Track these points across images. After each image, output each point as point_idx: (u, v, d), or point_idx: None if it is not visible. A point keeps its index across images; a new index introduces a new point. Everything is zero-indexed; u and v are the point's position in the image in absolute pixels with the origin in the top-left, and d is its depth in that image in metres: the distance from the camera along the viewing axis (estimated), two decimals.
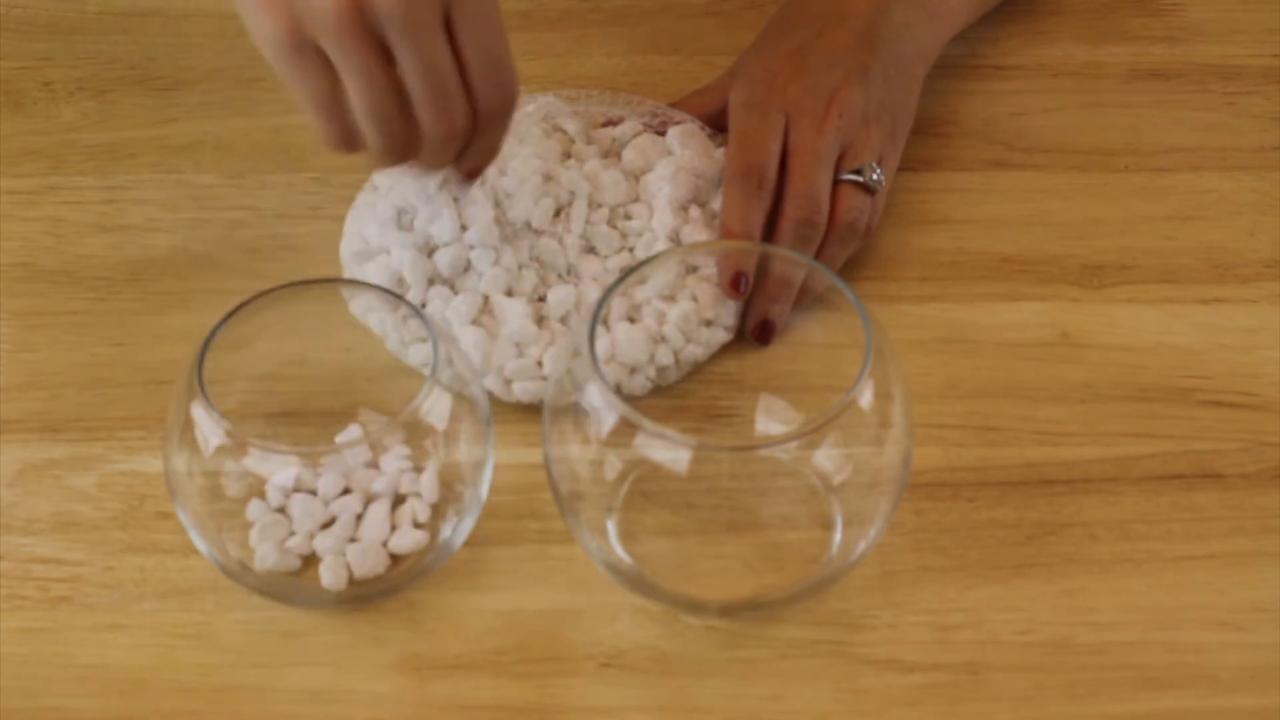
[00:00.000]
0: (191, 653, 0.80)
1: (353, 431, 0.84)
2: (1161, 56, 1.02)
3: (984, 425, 0.87)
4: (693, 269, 0.88)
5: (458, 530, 0.82)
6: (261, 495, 0.82)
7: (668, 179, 0.91)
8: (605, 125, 0.95)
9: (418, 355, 0.87)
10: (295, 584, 0.81)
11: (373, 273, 0.89)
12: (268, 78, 1.00)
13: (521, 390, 0.86)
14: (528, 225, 0.89)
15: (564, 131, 0.93)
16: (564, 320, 0.88)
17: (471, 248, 0.88)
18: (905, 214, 0.95)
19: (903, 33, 0.94)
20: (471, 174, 0.86)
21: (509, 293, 0.88)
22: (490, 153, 0.85)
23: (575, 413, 0.77)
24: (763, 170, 0.89)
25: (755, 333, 0.89)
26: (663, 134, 0.94)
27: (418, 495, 0.82)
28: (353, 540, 0.82)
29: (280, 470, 0.82)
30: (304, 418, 0.85)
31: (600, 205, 0.91)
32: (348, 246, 0.91)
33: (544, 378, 0.86)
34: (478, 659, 0.80)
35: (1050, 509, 0.84)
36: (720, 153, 0.93)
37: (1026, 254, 0.94)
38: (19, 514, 0.85)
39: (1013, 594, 0.82)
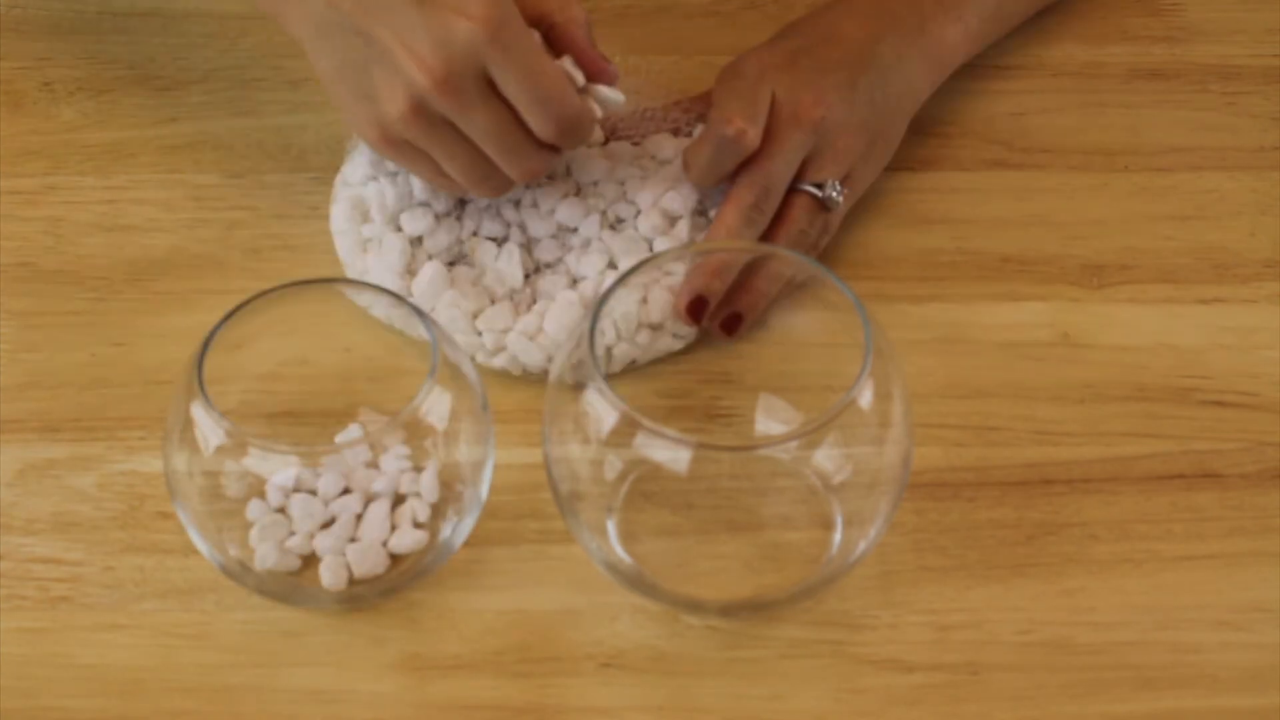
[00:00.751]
0: (191, 653, 0.80)
1: (353, 431, 0.84)
2: (1161, 56, 1.02)
3: (984, 425, 0.87)
4: (668, 273, 0.88)
5: (458, 530, 0.82)
6: (261, 495, 0.82)
7: (668, 185, 0.91)
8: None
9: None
10: (295, 584, 0.81)
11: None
12: (268, 78, 1.01)
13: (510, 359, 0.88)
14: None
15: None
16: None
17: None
18: (905, 214, 0.95)
19: (895, 64, 0.93)
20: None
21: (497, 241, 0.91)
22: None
23: (575, 413, 0.77)
24: (770, 193, 0.90)
25: (723, 325, 0.89)
26: (678, 133, 0.95)
27: (418, 495, 0.82)
28: (353, 540, 0.82)
29: (280, 470, 0.82)
30: (304, 418, 0.85)
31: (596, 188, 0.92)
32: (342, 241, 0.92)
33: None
34: (478, 659, 0.80)
35: (1050, 509, 0.84)
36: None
37: (1026, 254, 0.94)
38: (19, 514, 0.85)
39: (1013, 594, 0.82)
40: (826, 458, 0.79)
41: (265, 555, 0.81)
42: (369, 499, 0.82)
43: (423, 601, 0.82)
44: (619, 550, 0.81)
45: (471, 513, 0.81)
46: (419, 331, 0.80)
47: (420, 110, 0.83)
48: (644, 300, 0.88)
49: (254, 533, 0.81)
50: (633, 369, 0.89)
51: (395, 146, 0.86)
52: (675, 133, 0.94)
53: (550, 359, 0.87)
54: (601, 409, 0.76)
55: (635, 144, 0.94)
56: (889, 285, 0.92)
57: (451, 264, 0.90)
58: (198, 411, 0.77)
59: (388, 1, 0.82)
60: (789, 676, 0.80)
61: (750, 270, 0.88)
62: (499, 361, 0.88)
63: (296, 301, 0.81)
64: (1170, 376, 0.89)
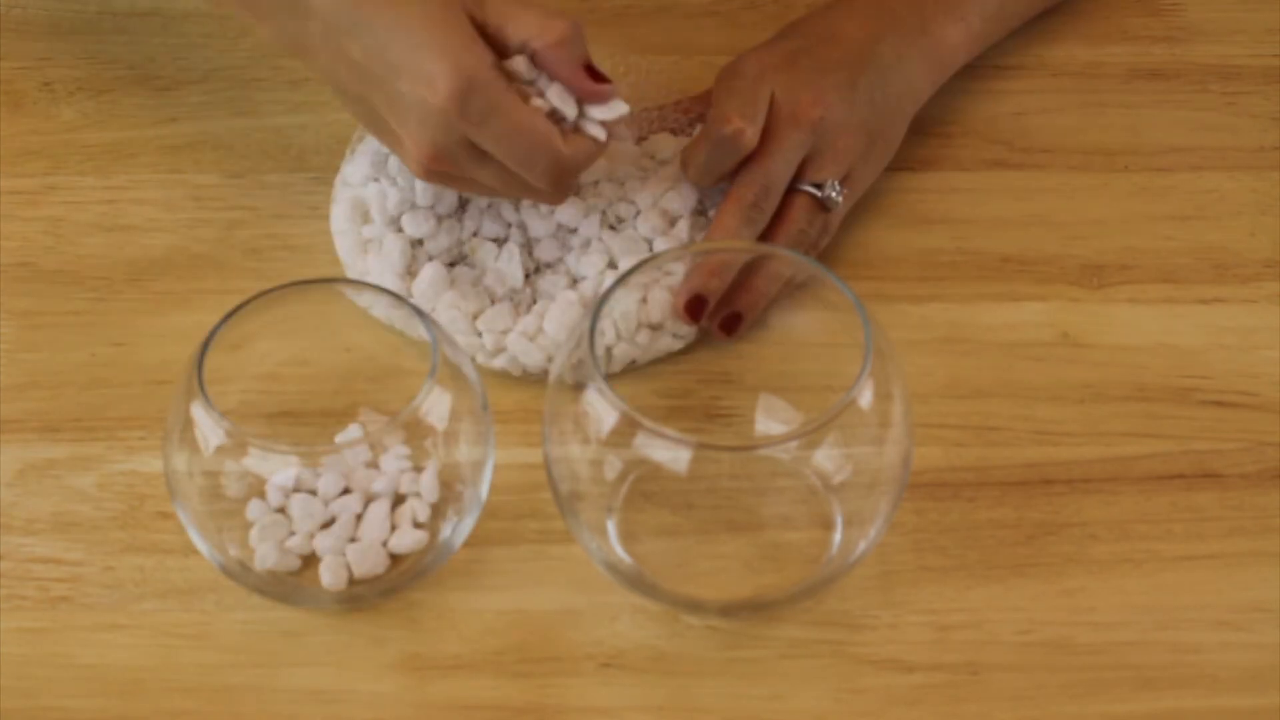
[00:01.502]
0: (191, 653, 0.80)
1: (353, 431, 0.84)
2: (1161, 56, 1.02)
3: (984, 425, 0.87)
4: (668, 273, 0.88)
5: (458, 530, 0.82)
6: (261, 495, 0.82)
7: (667, 185, 0.91)
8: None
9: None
10: (295, 584, 0.81)
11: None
12: (268, 78, 1.01)
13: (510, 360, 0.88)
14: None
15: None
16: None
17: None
18: (905, 214, 0.95)
19: (895, 65, 0.93)
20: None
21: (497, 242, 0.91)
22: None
23: (575, 413, 0.77)
24: (769, 192, 0.90)
25: (722, 325, 0.89)
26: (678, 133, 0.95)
27: (418, 495, 0.82)
28: (353, 540, 0.82)
29: (280, 470, 0.82)
30: (304, 418, 0.85)
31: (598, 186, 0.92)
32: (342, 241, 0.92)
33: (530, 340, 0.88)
34: (478, 659, 0.80)
35: (1050, 509, 0.84)
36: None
37: (1026, 254, 0.94)
38: (19, 514, 0.85)
39: (1013, 594, 0.82)
40: (826, 458, 0.79)
41: (265, 555, 0.81)
42: (369, 499, 0.82)
43: (423, 601, 0.82)
44: (619, 550, 0.81)
45: (471, 513, 0.81)
46: (419, 332, 0.80)
47: (436, 162, 0.85)
48: (644, 300, 0.88)
49: (254, 533, 0.81)
50: (633, 369, 0.89)
51: (434, 176, 0.86)
52: (675, 133, 0.94)
53: (550, 359, 0.87)
54: (601, 409, 0.76)
55: (635, 143, 0.94)
56: (889, 285, 0.92)
57: (452, 265, 0.90)
58: (198, 411, 0.77)
59: (376, 74, 0.83)
60: (789, 676, 0.80)
61: (750, 270, 0.88)
62: (499, 362, 0.88)
63: (296, 301, 0.81)
64: (1170, 376, 0.89)
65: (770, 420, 0.86)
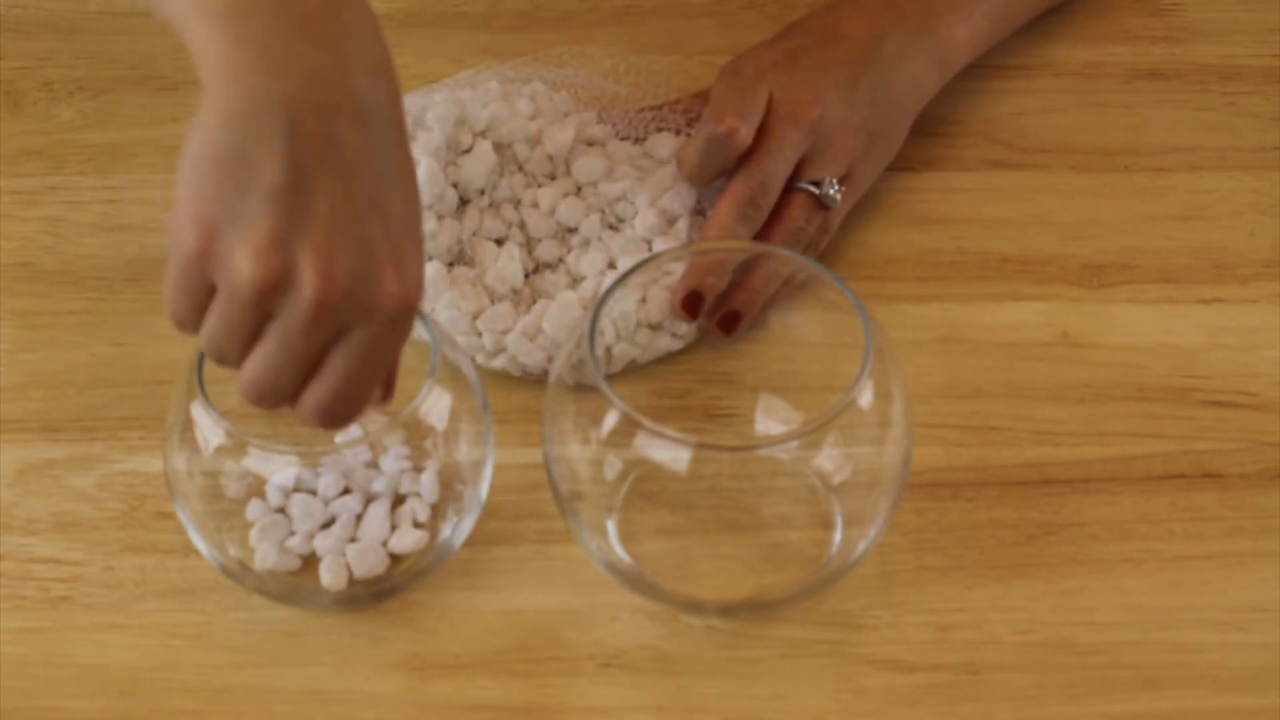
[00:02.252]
0: (191, 653, 0.80)
1: (353, 431, 0.84)
2: (1161, 56, 1.02)
3: (984, 425, 0.87)
4: (667, 272, 0.88)
5: (458, 530, 0.81)
6: (261, 495, 0.82)
7: (666, 185, 0.91)
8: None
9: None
10: (295, 584, 0.81)
11: None
12: None
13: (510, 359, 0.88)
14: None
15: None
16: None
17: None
18: (905, 214, 0.95)
19: (898, 63, 0.93)
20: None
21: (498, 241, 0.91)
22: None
23: (575, 413, 0.77)
24: (766, 190, 0.89)
25: (720, 324, 0.89)
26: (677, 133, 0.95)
27: (418, 495, 0.82)
28: (353, 540, 0.82)
29: (280, 470, 0.82)
30: None
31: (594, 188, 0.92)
32: None
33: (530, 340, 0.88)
34: (478, 659, 0.80)
35: (1050, 509, 0.84)
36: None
37: (1026, 254, 0.94)
38: (19, 514, 0.85)
39: (1013, 594, 0.82)
40: (826, 458, 0.79)
41: (265, 555, 0.81)
42: (369, 499, 0.82)
43: (423, 601, 0.82)
44: (619, 550, 0.81)
45: (471, 513, 0.81)
46: (419, 332, 0.80)
47: (268, 294, 0.69)
48: (643, 300, 0.88)
49: (254, 533, 0.81)
50: (633, 369, 0.89)
51: (195, 265, 0.70)
52: (675, 132, 0.94)
53: (550, 359, 0.87)
54: (601, 409, 0.76)
55: (635, 143, 0.94)
56: (889, 285, 0.92)
57: (451, 264, 0.90)
58: (198, 411, 0.77)
59: (344, 163, 0.69)
60: (789, 676, 0.80)
61: (748, 269, 0.88)
62: (499, 362, 0.88)
63: None
64: (1170, 376, 0.89)
65: (770, 420, 0.86)
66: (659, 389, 0.89)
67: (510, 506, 0.84)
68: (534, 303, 0.90)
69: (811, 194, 0.90)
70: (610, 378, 0.88)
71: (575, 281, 0.90)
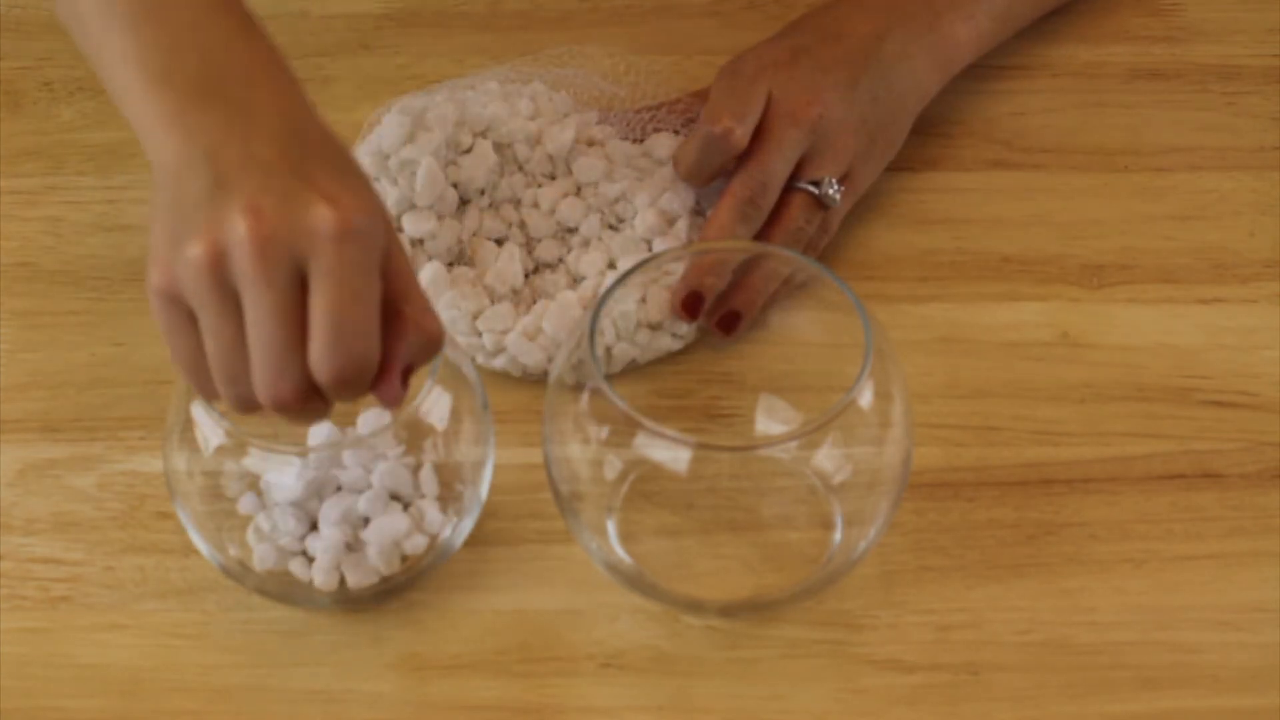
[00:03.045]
0: (191, 653, 0.80)
1: (352, 432, 0.84)
2: (1161, 56, 1.02)
3: (984, 425, 0.87)
4: (667, 273, 0.88)
5: (458, 530, 0.81)
6: (260, 495, 0.82)
7: (665, 185, 0.91)
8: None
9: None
10: (294, 584, 0.81)
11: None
12: None
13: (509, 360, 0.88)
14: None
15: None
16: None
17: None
18: (905, 214, 0.95)
19: (899, 62, 0.93)
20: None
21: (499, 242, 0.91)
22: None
23: (575, 413, 0.77)
24: (766, 190, 0.89)
25: (720, 324, 0.89)
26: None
27: (418, 495, 0.82)
28: (353, 540, 0.81)
29: (279, 470, 0.82)
30: None
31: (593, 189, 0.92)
32: None
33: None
34: (478, 659, 0.80)
35: (1050, 509, 0.84)
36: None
37: (1026, 254, 0.94)
38: (19, 514, 0.85)
39: (1013, 594, 0.82)
40: (826, 458, 0.79)
41: (264, 556, 0.81)
42: (369, 499, 0.82)
43: (423, 601, 0.82)
44: (619, 550, 0.81)
45: (471, 513, 0.81)
46: None
47: (217, 263, 0.71)
48: (643, 300, 0.88)
49: (251, 533, 0.81)
50: (633, 369, 0.89)
51: (173, 306, 0.73)
52: (674, 133, 0.94)
53: (550, 359, 0.87)
54: (601, 409, 0.76)
55: (635, 143, 0.94)
56: (889, 285, 0.92)
57: (451, 264, 0.90)
58: (198, 411, 0.77)
59: (265, 162, 0.72)
60: (789, 676, 0.80)
61: (748, 269, 0.88)
62: (499, 363, 0.88)
63: None
64: (1170, 376, 0.89)
65: (770, 420, 0.86)
66: (659, 389, 0.89)
67: (510, 506, 0.84)
68: (534, 303, 0.90)
69: (811, 194, 0.90)
70: (610, 378, 0.88)
71: (575, 281, 0.90)
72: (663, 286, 0.88)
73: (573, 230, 0.91)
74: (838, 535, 0.81)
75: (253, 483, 0.82)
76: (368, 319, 0.71)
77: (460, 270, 0.90)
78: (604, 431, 0.76)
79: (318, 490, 0.82)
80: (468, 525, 0.81)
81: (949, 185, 0.96)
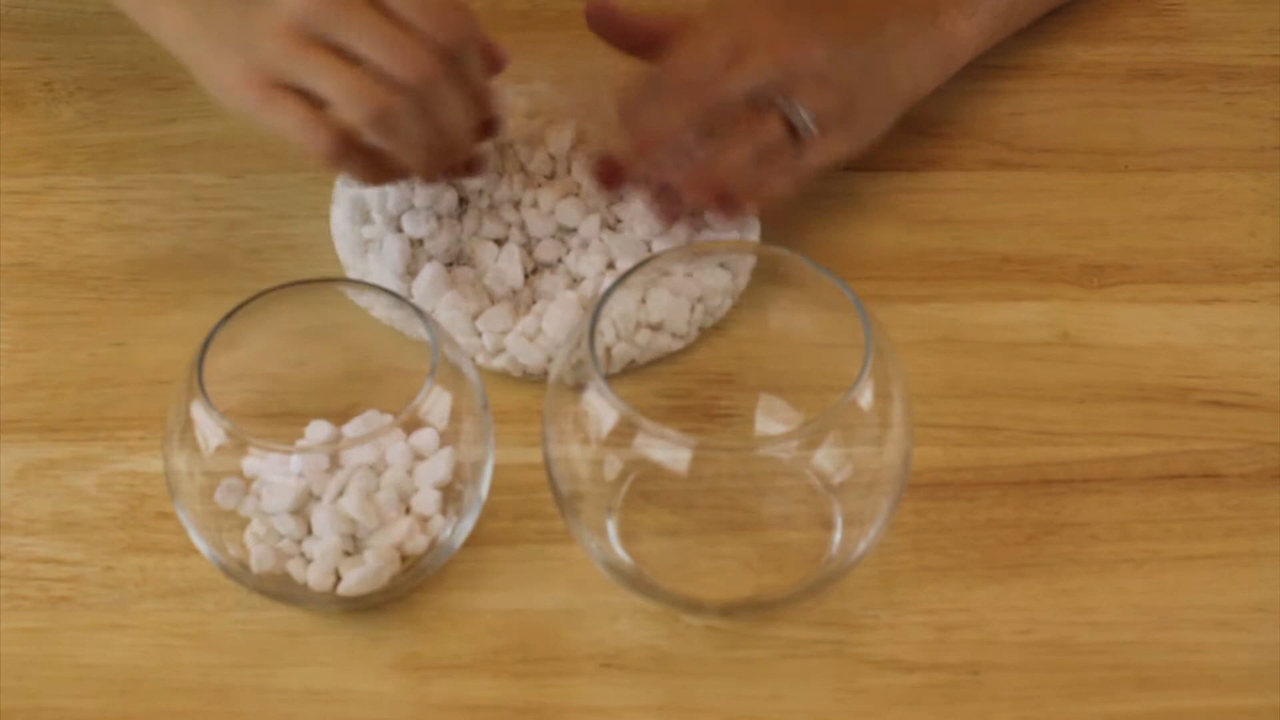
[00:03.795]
0: (191, 653, 0.80)
1: (354, 430, 0.84)
2: (1161, 56, 1.02)
3: (984, 425, 0.87)
4: (667, 273, 0.88)
5: (458, 530, 0.81)
6: (259, 496, 0.82)
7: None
8: None
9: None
10: (294, 584, 0.81)
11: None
12: None
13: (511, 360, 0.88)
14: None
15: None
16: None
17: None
18: (905, 214, 0.95)
19: (898, 49, 0.91)
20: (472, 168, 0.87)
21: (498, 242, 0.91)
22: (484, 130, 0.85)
23: (575, 413, 0.77)
24: (695, 82, 0.86)
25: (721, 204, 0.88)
26: None
27: (417, 495, 0.82)
28: (353, 541, 0.81)
29: (279, 470, 0.82)
30: (304, 418, 0.85)
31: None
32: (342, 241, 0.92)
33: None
34: (478, 659, 0.80)
35: (1050, 509, 0.84)
36: None
37: (1026, 254, 0.94)
38: (19, 514, 0.85)
39: (1013, 594, 0.82)
40: (826, 458, 0.79)
41: (262, 557, 0.81)
42: (367, 499, 0.82)
43: (423, 601, 0.82)
44: (619, 550, 0.81)
45: (471, 513, 0.81)
46: (419, 332, 0.80)
47: (297, 32, 0.79)
48: (643, 301, 0.88)
49: (249, 534, 0.81)
50: (633, 369, 0.89)
51: (268, 93, 0.80)
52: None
53: (550, 359, 0.87)
54: (601, 409, 0.76)
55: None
56: (889, 285, 0.92)
57: (450, 265, 0.90)
58: (198, 412, 0.77)
59: None
60: (789, 676, 0.80)
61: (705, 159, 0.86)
62: (499, 363, 0.88)
63: (296, 301, 0.81)
64: (1170, 376, 0.89)
65: (770, 420, 0.86)
66: (659, 389, 0.89)
67: (510, 506, 0.84)
68: (534, 303, 0.90)
69: (784, 115, 0.87)
70: (610, 378, 0.88)
71: (575, 282, 0.90)
72: (663, 288, 0.88)
73: (572, 230, 0.91)
74: (838, 535, 0.81)
75: (254, 484, 0.82)
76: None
77: (460, 271, 0.90)
78: (604, 431, 0.76)
79: (315, 491, 0.82)
80: (467, 525, 0.81)
81: (949, 185, 0.96)
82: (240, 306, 0.79)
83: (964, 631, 0.81)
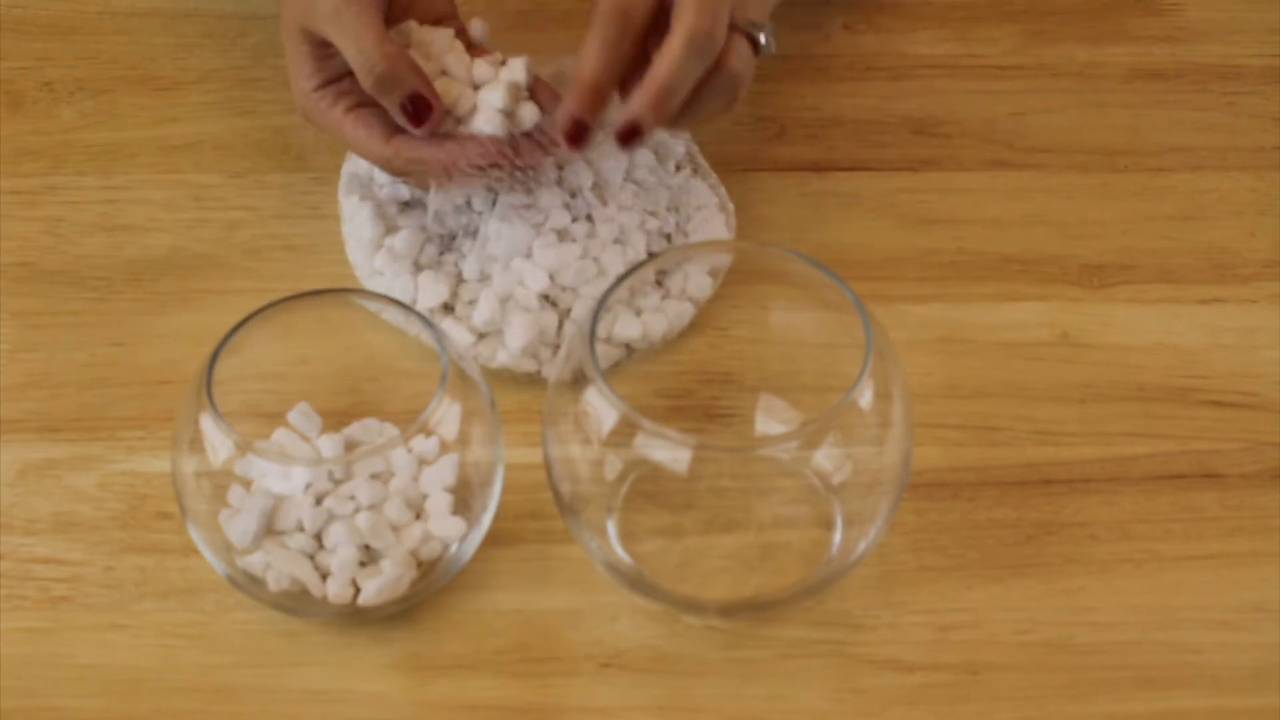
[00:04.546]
0: (192, 653, 0.80)
1: (362, 438, 0.84)
2: (1161, 56, 1.02)
3: (984, 425, 0.87)
4: (663, 273, 0.88)
5: (473, 532, 0.81)
6: (269, 508, 0.81)
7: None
8: None
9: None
10: (312, 600, 0.80)
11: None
12: (268, 78, 1.01)
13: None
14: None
15: None
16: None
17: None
18: (905, 214, 0.95)
19: None
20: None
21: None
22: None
23: (575, 413, 0.77)
24: (634, 11, 0.85)
25: (621, 136, 0.85)
26: None
27: (429, 504, 0.81)
28: (365, 552, 0.80)
29: (290, 482, 0.81)
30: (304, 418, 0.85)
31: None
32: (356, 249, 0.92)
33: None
34: (478, 659, 0.80)
35: (1050, 509, 0.84)
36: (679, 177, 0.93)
37: (1026, 254, 0.94)
38: (19, 514, 0.85)
39: (1013, 594, 0.82)
40: (826, 458, 0.79)
41: (279, 574, 0.79)
42: (380, 510, 0.81)
43: (423, 602, 0.82)
44: (619, 550, 0.81)
45: (487, 513, 0.81)
46: (425, 338, 0.80)
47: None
48: (638, 313, 0.88)
49: (258, 556, 0.80)
50: (633, 369, 0.89)
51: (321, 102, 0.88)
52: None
53: (526, 345, 0.87)
54: (601, 409, 0.76)
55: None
56: (889, 285, 0.92)
57: (446, 258, 0.90)
58: (206, 423, 0.77)
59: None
60: (789, 676, 0.80)
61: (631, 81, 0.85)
62: (499, 363, 0.88)
63: (304, 309, 0.80)
64: (1170, 376, 0.89)
65: (770, 420, 0.86)
66: (659, 389, 0.89)
67: (510, 506, 0.84)
68: (509, 298, 0.89)
69: (751, 37, 0.86)
70: (610, 378, 0.87)
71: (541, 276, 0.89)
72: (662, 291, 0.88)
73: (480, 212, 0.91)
74: (838, 535, 0.81)
75: (265, 496, 0.81)
76: (354, 144, 0.87)
77: (453, 268, 0.90)
78: (604, 431, 0.76)
79: (330, 502, 0.81)
80: (476, 537, 0.80)
81: (949, 185, 0.96)
82: (250, 317, 0.79)
83: (964, 631, 0.81)
